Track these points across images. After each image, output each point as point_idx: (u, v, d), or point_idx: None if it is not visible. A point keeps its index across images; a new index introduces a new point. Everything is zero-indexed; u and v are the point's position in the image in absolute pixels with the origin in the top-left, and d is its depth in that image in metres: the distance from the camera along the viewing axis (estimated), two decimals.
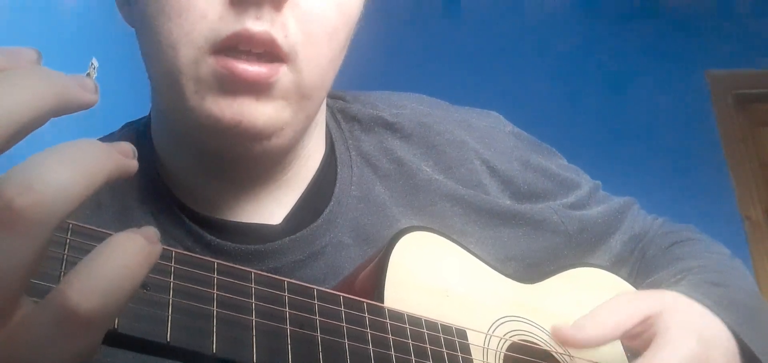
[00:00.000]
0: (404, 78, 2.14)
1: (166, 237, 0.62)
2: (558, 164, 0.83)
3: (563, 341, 0.61)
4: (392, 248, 0.58)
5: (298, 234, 0.64)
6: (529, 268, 0.73)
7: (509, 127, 0.82)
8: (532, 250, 0.74)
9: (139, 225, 0.61)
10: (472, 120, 0.79)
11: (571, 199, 0.80)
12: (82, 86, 0.34)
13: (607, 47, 3.04)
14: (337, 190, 0.68)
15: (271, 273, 0.61)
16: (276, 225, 0.65)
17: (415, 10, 2.92)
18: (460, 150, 0.75)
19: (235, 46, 0.54)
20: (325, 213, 0.66)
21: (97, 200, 0.63)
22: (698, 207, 2.49)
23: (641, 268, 0.82)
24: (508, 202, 0.75)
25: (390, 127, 0.74)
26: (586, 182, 0.83)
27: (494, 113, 0.82)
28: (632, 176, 2.61)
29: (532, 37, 3.05)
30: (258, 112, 0.56)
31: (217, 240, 0.62)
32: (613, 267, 0.79)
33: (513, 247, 0.73)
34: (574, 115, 2.88)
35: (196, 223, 0.63)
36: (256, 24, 0.54)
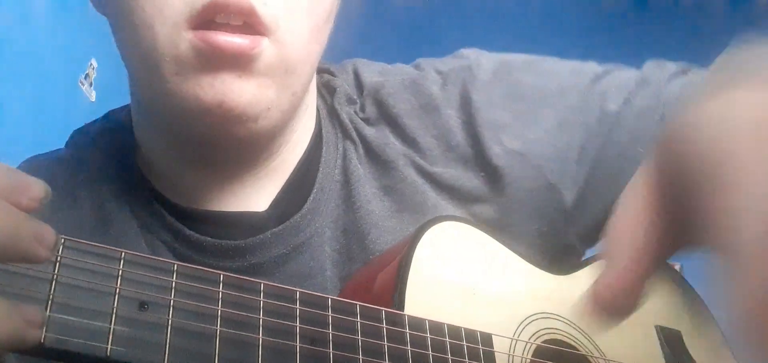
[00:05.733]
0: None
1: (144, 232, 0.60)
2: (538, 71, 0.71)
3: (593, 323, 0.39)
4: (416, 243, 0.55)
5: (280, 226, 0.61)
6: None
7: (468, 71, 0.69)
8: (520, 221, 0.66)
9: (116, 219, 0.59)
10: (426, 78, 0.69)
11: (559, 113, 0.67)
12: (27, 322, 0.33)
13: (606, 47, 3.03)
14: (320, 174, 0.64)
15: (254, 269, 0.59)
16: (261, 212, 0.62)
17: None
18: (420, 118, 0.67)
19: (212, 17, 0.52)
20: (308, 202, 0.63)
21: (73, 194, 0.61)
22: None
23: None
24: (475, 180, 0.66)
25: (355, 106, 0.69)
26: (586, 71, 0.72)
27: (458, 56, 0.72)
28: None
29: (531, 36, 3.03)
30: (241, 90, 0.53)
31: (197, 235, 0.60)
32: None
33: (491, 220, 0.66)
34: None
35: (175, 216, 0.60)
36: None
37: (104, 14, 0.61)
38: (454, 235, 0.59)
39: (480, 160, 0.67)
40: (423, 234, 0.56)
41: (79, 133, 0.67)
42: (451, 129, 0.67)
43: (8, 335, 0.31)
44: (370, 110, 0.68)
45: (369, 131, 0.68)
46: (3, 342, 0.31)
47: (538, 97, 0.68)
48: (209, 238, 0.60)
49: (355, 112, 0.69)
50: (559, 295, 0.63)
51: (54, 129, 1.87)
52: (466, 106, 0.67)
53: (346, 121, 0.68)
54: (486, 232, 0.61)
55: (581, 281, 0.65)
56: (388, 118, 0.68)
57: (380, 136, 0.67)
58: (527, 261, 0.63)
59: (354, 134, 0.67)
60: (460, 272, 0.58)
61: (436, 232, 0.57)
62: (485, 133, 0.66)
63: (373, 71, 0.71)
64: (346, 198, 0.65)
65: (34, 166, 0.63)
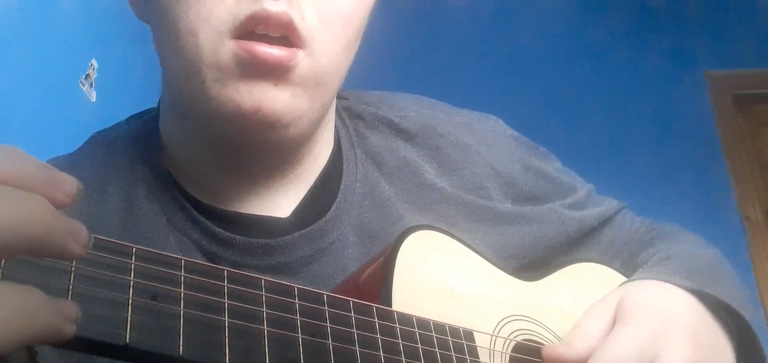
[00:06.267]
0: (403, 80, 2.14)
1: (172, 229, 0.62)
2: (555, 168, 0.83)
3: (556, 361, 0.60)
4: (398, 248, 0.58)
5: (307, 229, 0.64)
6: (528, 265, 0.74)
7: (509, 130, 0.82)
8: (533, 248, 0.75)
9: (145, 215, 0.62)
10: (473, 123, 0.79)
11: (569, 201, 0.80)
12: (64, 316, 0.33)
13: (606, 47, 3.04)
14: (342, 186, 0.68)
15: (280, 268, 0.62)
16: (285, 218, 0.65)
17: (416, 10, 2.92)
18: (463, 153, 0.75)
19: (253, 28, 0.55)
20: (332, 209, 0.66)
21: (102, 190, 0.63)
22: (698, 207, 2.49)
23: (629, 268, 0.83)
24: (510, 205, 0.76)
25: (394, 127, 0.74)
26: (581, 186, 0.84)
27: (493, 117, 0.83)
28: (632, 176, 2.61)
29: (531, 37, 3.05)
30: (277, 99, 0.56)
31: (226, 232, 0.62)
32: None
33: (516, 245, 0.73)
34: (574, 115, 2.88)
35: (203, 215, 0.63)
36: (274, 4, 0.55)
37: (146, 22, 0.64)
38: (430, 244, 0.62)
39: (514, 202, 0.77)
40: (402, 242, 0.59)
41: (101, 135, 0.69)
42: (481, 175, 0.75)
43: (46, 329, 0.32)
44: (415, 128, 0.74)
45: (407, 152, 0.73)
46: (42, 335, 0.32)
47: (556, 185, 0.81)
48: (238, 236, 0.62)
49: (390, 130, 0.74)
50: (530, 300, 0.67)
51: (54, 129, 1.88)
52: (497, 175, 0.76)
53: (375, 140, 0.73)
54: (459, 240, 0.64)
55: (546, 290, 0.70)
56: (432, 144, 0.74)
57: (419, 157, 0.73)
58: (498, 267, 0.67)
59: (385, 153, 0.72)
60: (439, 276, 0.61)
61: (414, 240, 0.60)
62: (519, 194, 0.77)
63: (416, 101, 0.78)
64: (372, 210, 0.68)
65: (58, 165, 0.63)
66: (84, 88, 2.12)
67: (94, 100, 2.13)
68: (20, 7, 1.94)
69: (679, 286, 0.65)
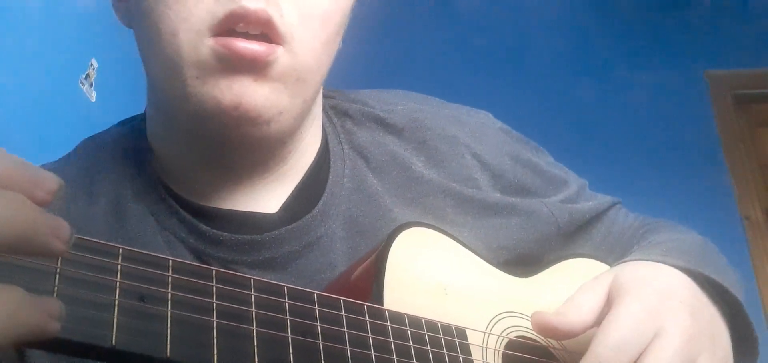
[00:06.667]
0: (397, 78, 2.13)
1: (160, 228, 0.63)
2: (546, 161, 0.83)
3: (546, 330, 0.61)
4: (390, 245, 0.58)
5: (294, 224, 0.65)
6: (519, 258, 0.73)
7: (498, 123, 0.82)
8: (523, 240, 0.75)
9: (132, 216, 0.62)
10: (462, 116, 0.80)
11: (560, 196, 0.80)
12: (48, 313, 0.33)
13: (606, 47, 3.04)
14: (330, 181, 0.69)
15: (268, 263, 0.62)
16: (272, 213, 0.65)
17: (409, 10, 2.92)
18: (451, 145, 0.75)
19: (232, 26, 0.56)
20: (319, 204, 0.67)
21: (90, 191, 0.63)
22: (698, 207, 2.48)
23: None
24: (499, 195, 0.76)
25: (382, 122, 0.75)
26: (574, 180, 0.84)
27: (483, 111, 0.83)
28: (632, 176, 2.61)
29: (531, 36, 3.04)
30: (257, 94, 0.57)
31: (213, 230, 0.62)
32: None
33: (505, 236, 0.73)
34: (574, 115, 2.88)
35: (190, 213, 0.63)
36: (252, 2, 0.56)
37: (129, 27, 0.65)
38: (422, 241, 0.62)
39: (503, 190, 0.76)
40: (394, 239, 0.59)
41: (91, 140, 0.69)
42: (468, 167, 0.75)
43: (31, 328, 0.32)
44: (402, 122, 0.74)
45: (395, 146, 0.73)
46: (26, 335, 0.32)
47: (547, 179, 0.81)
48: (226, 233, 0.62)
49: (377, 125, 0.74)
50: (523, 297, 0.67)
51: (54, 129, 1.88)
52: (485, 167, 0.76)
53: (363, 135, 0.73)
54: (451, 236, 0.64)
55: (539, 286, 0.70)
56: (419, 137, 0.74)
57: (407, 151, 0.73)
58: (490, 264, 0.67)
59: (372, 148, 0.72)
60: (431, 274, 0.61)
61: (405, 237, 0.60)
62: (505, 185, 0.77)
63: (403, 96, 0.78)
64: (361, 204, 0.69)
65: (48, 168, 0.65)
66: (84, 88, 2.12)
67: (94, 100, 2.13)
68: (20, 7, 1.94)
69: (672, 265, 0.66)
